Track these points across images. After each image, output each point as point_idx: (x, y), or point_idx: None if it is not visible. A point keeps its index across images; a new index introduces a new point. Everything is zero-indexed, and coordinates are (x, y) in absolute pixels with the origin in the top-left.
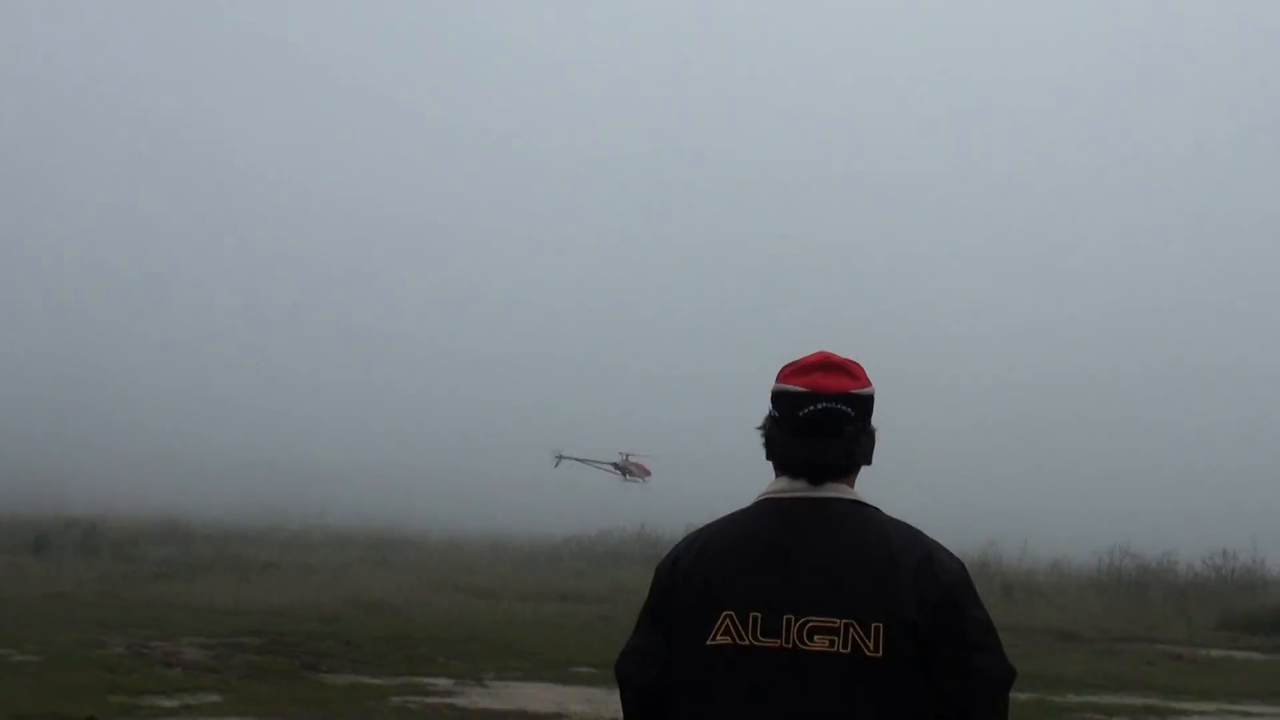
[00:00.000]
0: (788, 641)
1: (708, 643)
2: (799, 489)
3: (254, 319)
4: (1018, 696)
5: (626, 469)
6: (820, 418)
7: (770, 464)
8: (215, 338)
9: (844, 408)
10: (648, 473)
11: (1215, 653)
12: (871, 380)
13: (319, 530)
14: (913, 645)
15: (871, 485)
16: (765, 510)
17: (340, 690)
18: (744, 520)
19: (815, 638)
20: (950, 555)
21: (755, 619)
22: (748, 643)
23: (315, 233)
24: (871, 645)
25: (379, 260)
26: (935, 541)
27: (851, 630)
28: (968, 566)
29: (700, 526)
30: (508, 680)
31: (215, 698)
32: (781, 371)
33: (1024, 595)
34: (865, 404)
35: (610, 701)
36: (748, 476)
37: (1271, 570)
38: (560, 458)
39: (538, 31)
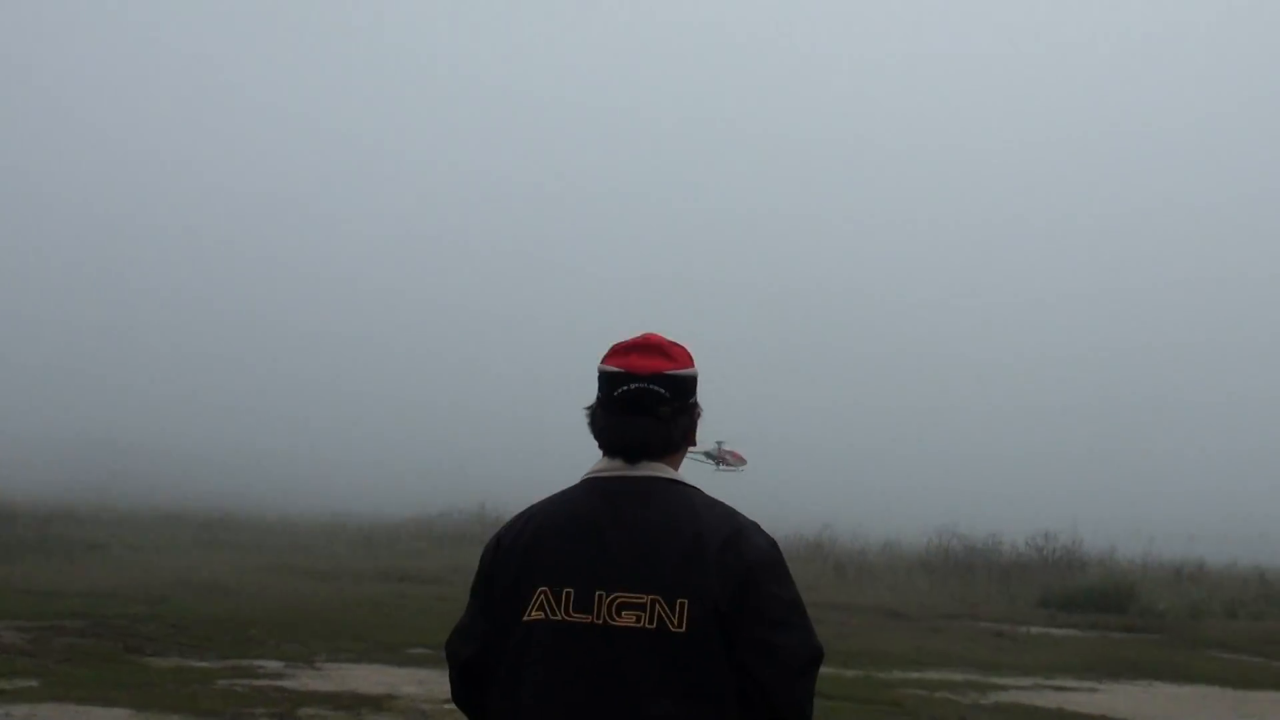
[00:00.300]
0: (598, 617)
1: (523, 618)
2: (617, 468)
3: (73, 284)
4: (844, 673)
5: (720, 457)
6: (634, 398)
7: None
8: (37, 305)
9: (658, 388)
10: (743, 461)
11: (1035, 630)
12: (694, 362)
13: (149, 510)
14: (715, 622)
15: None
16: (585, 489)
17: (164, 673)
18: (565, 499)
19: (624, 613)
20: (761, 534)
21: (568, 595)
22: (560, 618)
23: (152, 197)
24: (676, 621)
25: (224, 231)
26: (749, 521)
27: (657, 606)
28: (805, 547)
29: (528, 505)
30: (339, 662)
31: (31, 682)
32: (605, 353)
33: (855, 575)
34: (682, 385)
35: (443, 682)
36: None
37: (1090, 551)
38: None
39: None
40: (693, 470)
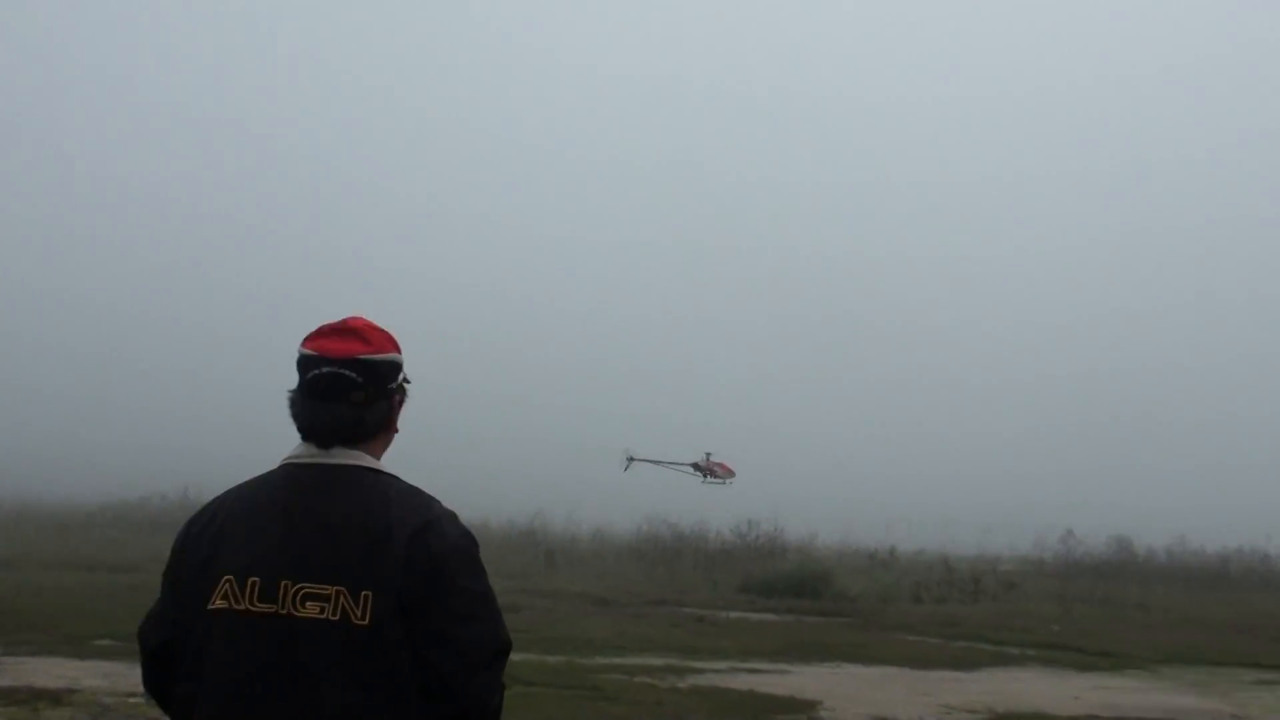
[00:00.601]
0: (283, 608)
1: (208, 607)
2: (311, 454)
3: None
4: (547, 660)
5: (708, 469)
6: (326, 382)
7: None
8: None
9: (350, 373)
10: (731, 473)
11: (734, 615)
12: (397, 348)
13: None
14: (400, 615)
15: (404, 450)
16: (280, 475)
17: None
18: (259, 485)
19: (308, 604)
20: (454, 525)
21: (254, 584)
22: (244, 608)
23: None
24: (359, 613)
25: None
26: (445, 511)
27: (342, 598)
28: (517, 535)
29: (223, 491)
30: (18, 656)
31: None
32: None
33: (566, 562)
34: (378, 370)
35: (131, 675)
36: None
37: (790, 538)
38: (631, 459)
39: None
40: (679, 481)
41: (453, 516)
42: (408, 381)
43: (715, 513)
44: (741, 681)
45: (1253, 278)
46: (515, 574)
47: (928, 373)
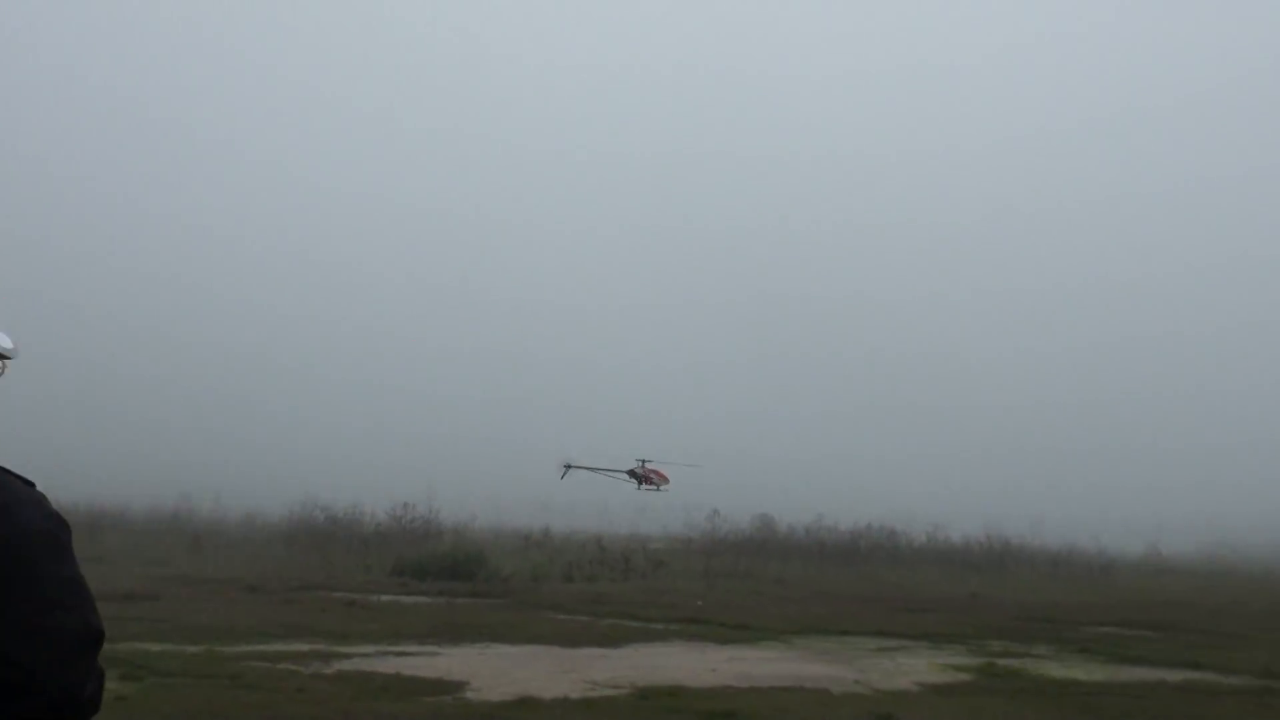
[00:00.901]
0: None
1: None
2: None
3: None
4: (185, 650)
5: (644, 476)
6: None
7: None
8: None
9: None
10: (666, 480)
11: (385, 598)
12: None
13: None
14: None
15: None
16: None
17: None
18: None
19: None
20: (38, 508)
21: None
22: None
23: None
24: None
25: None
26: (30, 495)
27: None
28: (162, 520)
29: None
30: None
31: None
32: None
33: (214, 548)
34: None
35: None
36: None
37: (445, 520)
38: (568, 467)
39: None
40: (616, 489)
41: (39, 499)
42: (6, 358)
43: (371, 495)
44: (389, 665)
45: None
46: (157, 560)
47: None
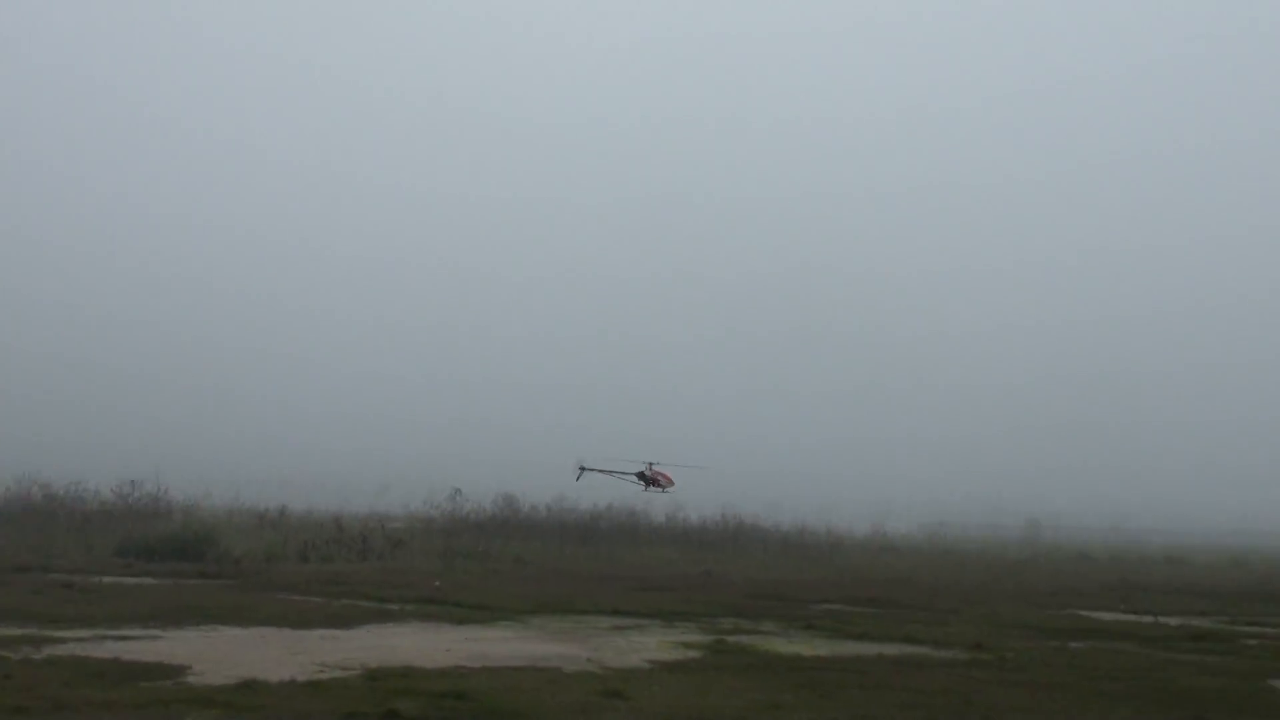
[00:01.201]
0: None
1: None
2: None
3: None
4: None
5: (651, 479)
6: None
7: None
8: None
9: None
10: (671, 482)
11: (108, 579)
12: None
13: None
14: None
15: None
16: None
17: None
18: None
19: None
20: None
21: None
22: None
23: None
24: None
25: None
26: None
27: None
28: None
29: None
30: None
31: None
32: None
33: None
34: None
35: None
36: None
37: (176, 499)
38: (583, 469)
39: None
40: (623, 490)
41: None
42: None
43: (96, 474)
44: (107, 649)
45: None
46: None
47: None
